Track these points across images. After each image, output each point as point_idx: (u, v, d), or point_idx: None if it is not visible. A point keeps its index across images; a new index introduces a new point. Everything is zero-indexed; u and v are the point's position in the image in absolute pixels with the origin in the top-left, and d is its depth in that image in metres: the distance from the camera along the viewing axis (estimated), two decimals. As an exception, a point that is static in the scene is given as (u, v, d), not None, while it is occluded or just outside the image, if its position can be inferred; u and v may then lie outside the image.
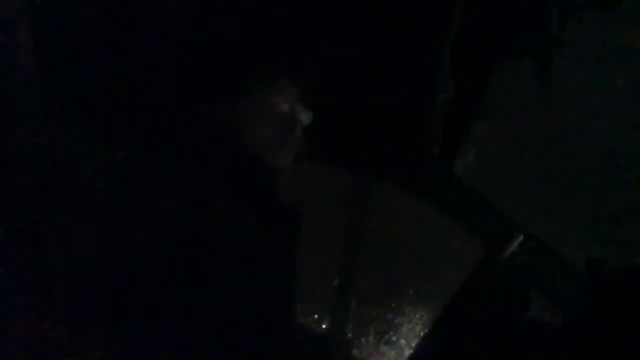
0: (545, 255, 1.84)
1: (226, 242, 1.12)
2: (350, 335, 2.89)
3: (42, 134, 1.23)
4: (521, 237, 1.78)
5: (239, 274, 1.12)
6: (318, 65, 1.69)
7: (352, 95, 1.74)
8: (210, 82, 1.28)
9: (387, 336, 2.74)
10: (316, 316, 2.71)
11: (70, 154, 1.19)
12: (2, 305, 1.07)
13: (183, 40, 1.42)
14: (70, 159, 1.19)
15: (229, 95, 1.30)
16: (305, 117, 1.33)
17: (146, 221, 1.09)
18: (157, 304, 1.05)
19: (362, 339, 2.79)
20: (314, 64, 1.69)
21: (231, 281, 1.11)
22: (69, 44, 1.40)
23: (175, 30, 1.43)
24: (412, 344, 2.63)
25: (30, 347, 1.06)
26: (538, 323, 1.64)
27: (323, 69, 1.70)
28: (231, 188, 1.21)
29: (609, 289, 1.53)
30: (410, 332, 2.69)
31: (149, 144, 1.26)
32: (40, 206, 1.11)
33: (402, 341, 2.70)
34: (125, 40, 1.40)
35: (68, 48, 1.40)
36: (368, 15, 1.64)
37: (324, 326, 2.74)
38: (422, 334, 2.63)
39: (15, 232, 1.11)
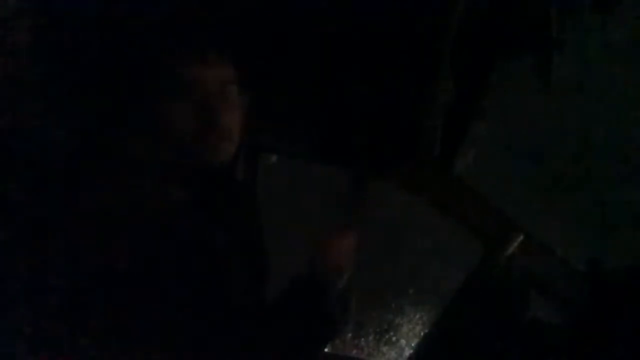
0: (545, 255, 1.84)
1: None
2: (350, 335, 2.89)
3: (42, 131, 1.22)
4: (521, 237, 1.78)
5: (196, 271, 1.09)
6: (316, 65, 1.69)
7: (352, 96, 1.74)
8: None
9: (387, 336, 2.73)
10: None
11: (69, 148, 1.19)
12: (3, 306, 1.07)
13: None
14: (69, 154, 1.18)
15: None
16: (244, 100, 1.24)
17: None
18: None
19: (362, 339, 2.79)
20: (312, 63, 1.69)
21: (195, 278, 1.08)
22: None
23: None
24: (412, 344, 2.63)
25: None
26: (538, 323, 1.64)
27: (321, 68, 1.70)
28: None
29: (609, 289, 1.53)
30: (410, 332, 2.69)
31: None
32: (39, 205, 1.11)
33: (402, 341, 2.70)
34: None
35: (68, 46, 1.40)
36: (368, 15, 1.64)
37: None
38: (422, 334, 2.63)
39: (13, 231, 1.10)
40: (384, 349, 2.70)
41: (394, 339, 2.71)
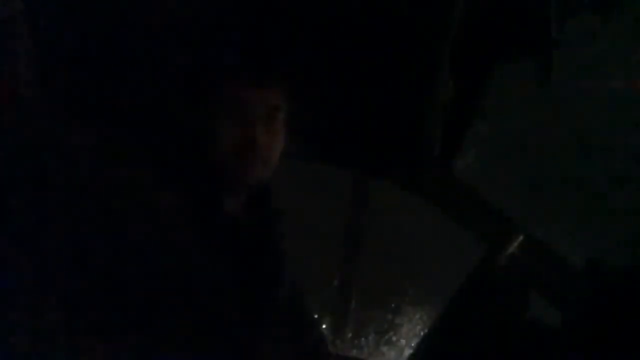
0: (545, 255, 1.84)
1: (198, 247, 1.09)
2: (350, 335, 2.89)
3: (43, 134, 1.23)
4: (521, 237, 1.78)
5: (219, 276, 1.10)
6: (317, 65, 1.69)
7: (352, 95, 1.74)
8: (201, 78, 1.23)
9: (387, 336, 2.73)
10: (316, 316, 2.71)
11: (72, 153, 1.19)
12: (4, 306, 1.07)
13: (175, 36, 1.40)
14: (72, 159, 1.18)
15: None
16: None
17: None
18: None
19: (362, 339, 2.78)
20: (312, 63, 1.69)
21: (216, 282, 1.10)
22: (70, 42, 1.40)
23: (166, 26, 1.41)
24: (412, 344, 2.63)
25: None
26: (538, 323, 1.64)
27: (322, 68, 1.70)
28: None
29: (609, 289, 1.53)
30: (410, 332, 2.69)
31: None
32: (39, 205, 1.11)
33: (402, 341, 2.70)
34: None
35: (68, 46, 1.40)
36: (367, 14, 1.64)
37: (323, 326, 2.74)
38: (422, 334, 2.63)
39: (14, 232, 1.11)
40: (384, 349, 2.70)
41: (394, 339, 2.71)
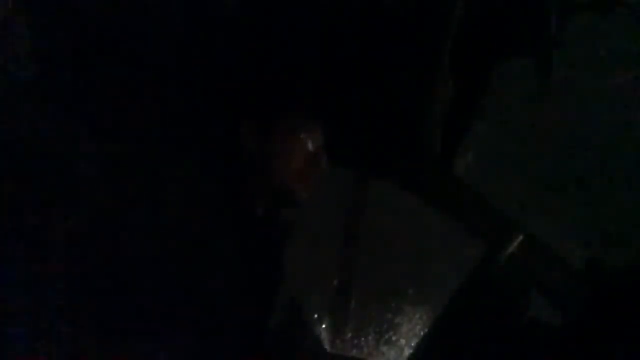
0: (545, 255, 1.84)
1: (222, 247, 1.14)
2: (350, 335, 2.89)
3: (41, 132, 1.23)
4: (521, 237, 1.78)
5: (236, 276, 1.13)
6: (318, 67, 1.69)
7: (352, 95, 1.74)
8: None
9: (387, 336, 2.73)
10: (316, 316, 2.71)
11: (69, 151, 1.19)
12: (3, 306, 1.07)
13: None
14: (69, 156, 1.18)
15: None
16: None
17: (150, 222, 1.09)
18: (153, 303, 1.05)
19: (362, 339, 2.79)
20: (314, 64, 1.69)
21: (228, 282, 1.12)
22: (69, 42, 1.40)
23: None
24: (412, 344, 2.63)
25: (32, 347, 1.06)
26: (538, 323, 1.64)
27: (322, 69, 1.70)
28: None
29: (609, 289, 1.53)
30: (410, 332, 2.69)
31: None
32: (40, 204, 1.11)
33: (402, 341, 2.70)
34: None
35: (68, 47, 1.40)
36: (368, 15, 1.65)
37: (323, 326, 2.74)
38: (422, 334, 2.63)
39: (14, 230, 1.11)
40: (384, 349, 2.70)
41: (394, 339, 2.71)
